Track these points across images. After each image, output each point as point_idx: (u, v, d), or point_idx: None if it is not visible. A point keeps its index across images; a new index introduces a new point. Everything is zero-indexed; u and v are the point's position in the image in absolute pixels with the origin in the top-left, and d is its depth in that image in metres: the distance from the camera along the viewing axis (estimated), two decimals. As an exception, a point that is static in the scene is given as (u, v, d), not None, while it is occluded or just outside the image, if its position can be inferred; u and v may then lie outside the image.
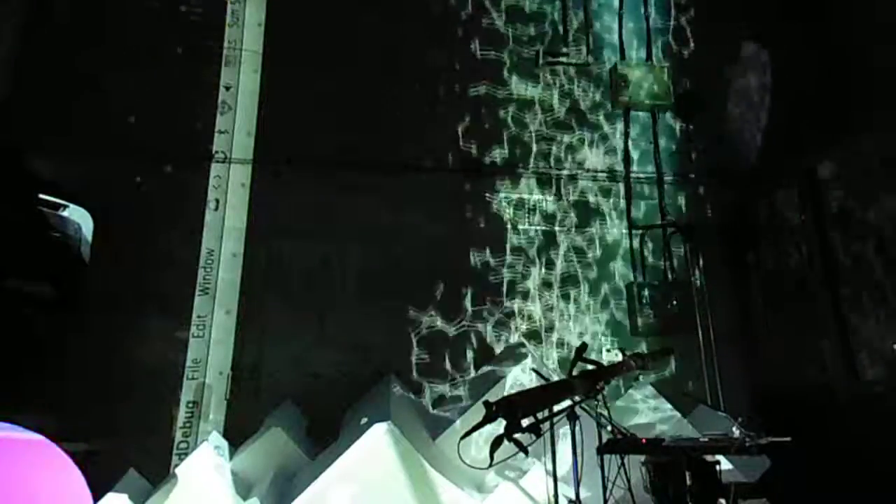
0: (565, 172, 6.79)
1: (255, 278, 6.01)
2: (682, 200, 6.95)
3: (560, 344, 6.36)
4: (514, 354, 5.81)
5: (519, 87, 6.91)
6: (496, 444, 3.35)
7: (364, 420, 4.80)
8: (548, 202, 6.69)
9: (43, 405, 5.06)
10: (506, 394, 4.08)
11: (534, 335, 6.32)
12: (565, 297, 6.48)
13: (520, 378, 5.12)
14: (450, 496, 4.48)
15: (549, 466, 3.56)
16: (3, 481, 2.79)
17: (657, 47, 7.28)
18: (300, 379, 5.85)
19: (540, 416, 3.41)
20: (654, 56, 7.22)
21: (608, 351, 6.36)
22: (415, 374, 5.98)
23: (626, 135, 6.98)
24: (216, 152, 6.24)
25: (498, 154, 6.71)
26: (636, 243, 6.71)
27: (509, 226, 6.55)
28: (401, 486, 4.40)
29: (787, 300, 6.37)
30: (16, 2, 6.06)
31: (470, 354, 6.15)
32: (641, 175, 6.92)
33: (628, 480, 3.59)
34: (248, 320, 5.91)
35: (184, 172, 6.13)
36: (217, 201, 6.14)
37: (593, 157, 6.90)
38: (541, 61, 6.98)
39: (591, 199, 6.80)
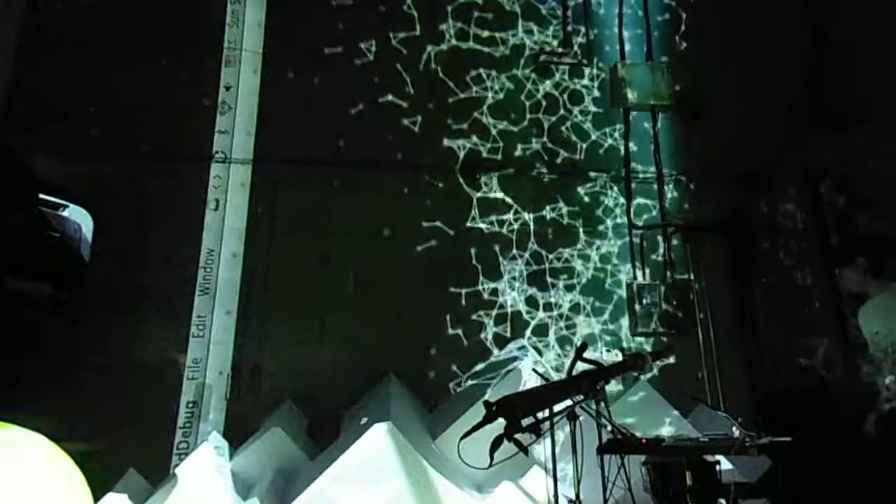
0: (566, 172, 6.79)
1: (255, 278, 6.01)
2: (682, 200, 6.95)
3: (560, 343, 6.36)
4: (514, 354, 5.81)
5: (519, 86, 6.91)
6: (496, 444, 3.35)
7: (364, 420, 4.80)
8: (548, 202, 6.69)
9: (43, 405, 5.06)
10: (506, 394, 4.08)
11: (534, 335, 6.32)
12: (565, 296, 6.48)
13: (519, 378, 5.12)
14: (450, 496, 4.47)
15: (549, 466, 3.56)
16: (3, 481, 2.79)
17: (657, 47, 7.27)
18: (300, 379, 5.85)
19: (540, 416, 3.41)
20: (654, 55, 7.22)
21: (608, 351, 6.36)
22: (415, 373, 5.98)
23: (626, 135, 6.98)
24: (216, 152, 6.24)
25: (498, 153, 6.71)
26: (636, 243, 6.71)
27: (509, 225, 6.56)
28: (401, 487, 4.40)
29: (786, 300, 6.38)
30: (16, 1, 6.06)
31: (470, 354, 6.15)
32: (641, 175, 6.92)
33: (628, 480, 3.59)
34: (248, 320, 5.91)
35: (184, 172, 6.14)
36: (217, 201, 6.14)
37: (593, 157, 6.90)
38: (541, 60, 6.98)
39: (591, 198, 6.79)
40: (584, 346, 3.83)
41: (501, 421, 3.38)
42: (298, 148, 6.31)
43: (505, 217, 6.56)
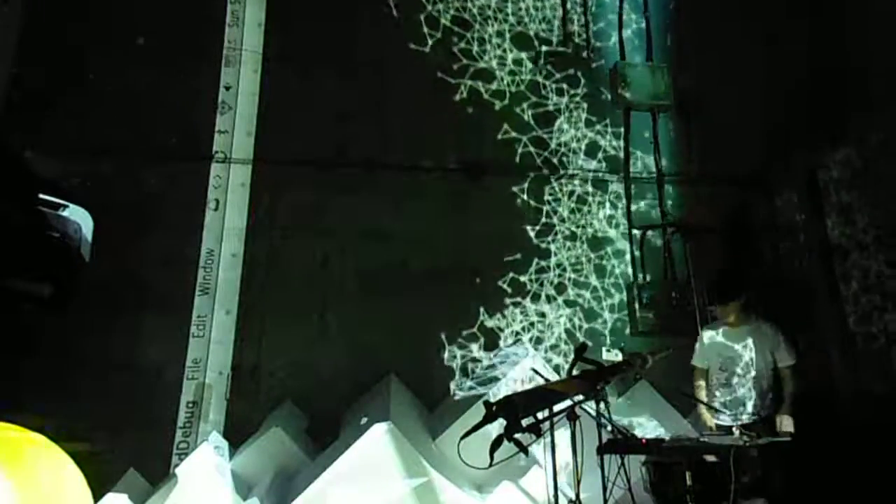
0: (565, 172, 6.79)
1: (255, 278, 6.01)
2: (682, 200, 6.95)
3: (560, 344, 6.36)
4: (513, 354, 5.81)
5: (519, 85, 6.92)
6: (496, 444, 3.34)
7: (364, 420, 4.80)
8: (547, 202, 6.69)
9: (43, 405, 5.06)
10: (506, 394, 4.08)
11: (534, 335, 6.32)
12: (565, 296, 6.48)
13: (520, 378, 5.13)
14: (450, 496, 4.48)
15: (549, 466, 3.56)
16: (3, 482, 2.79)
17: (657, 47, 7.27)
18: (300, 379, 5.85)
19: (540, 416, 3.40)
20: (654, 56, 7.22)
21: (608, 351, 6.35)
22: (415, 373, 5.98)
23: (626, 134, 6.98)
24: (216, 152, 6.24)
25: (498, 153, 6.71)
26: (636, 243, 6.71)
27: (509, 225, 6.56)
28: (401, 487, 4.40)
29: (786, 300, 6.37)
30: (15, 1, 6.06)
31: (470, 354, 6.15)
32: (641, 175, 6.92)
33: (628, 480, 3.59)
34: (248, 320, 5.91)
35: (184, 172, 6.14)
36: (217, 201, 6.14)
37: (593, 157, 6.90)
38: (541, 60, 6.99)
39: (591, 198, 6.80)
40: (583, 347, 3.83)
41: (501, 421, 3.38)
42: (298, 148, 6.31)
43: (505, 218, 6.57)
